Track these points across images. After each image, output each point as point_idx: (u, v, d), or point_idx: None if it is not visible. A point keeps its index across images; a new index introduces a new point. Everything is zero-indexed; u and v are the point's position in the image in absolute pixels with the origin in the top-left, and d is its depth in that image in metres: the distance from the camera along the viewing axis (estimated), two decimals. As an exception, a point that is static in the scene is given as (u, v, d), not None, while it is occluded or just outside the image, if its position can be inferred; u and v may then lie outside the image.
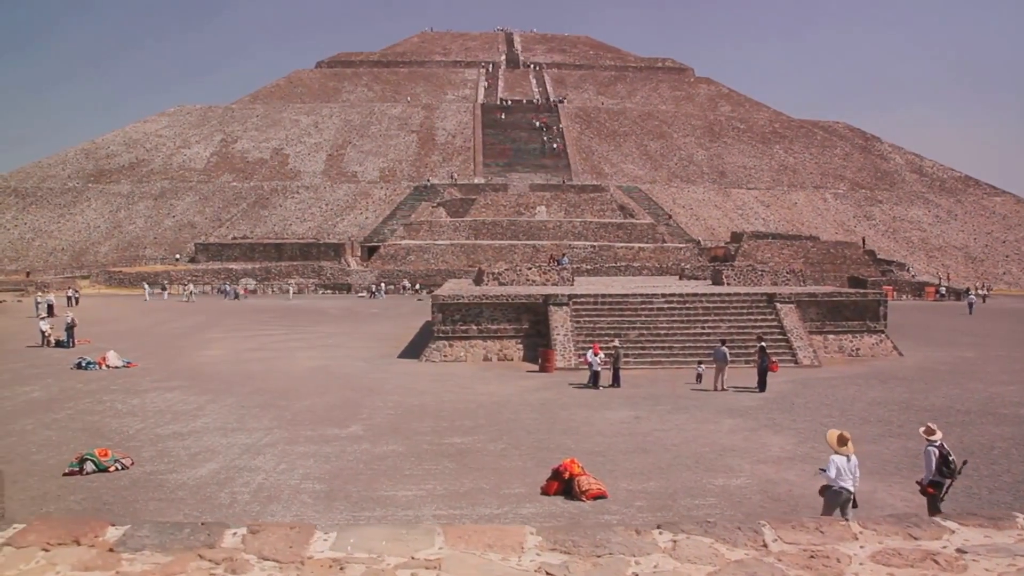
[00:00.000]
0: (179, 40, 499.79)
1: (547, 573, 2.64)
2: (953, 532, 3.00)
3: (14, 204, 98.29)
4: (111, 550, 2.62)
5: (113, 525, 2.86)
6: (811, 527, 3.02)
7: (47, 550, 2.55)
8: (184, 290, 66.88)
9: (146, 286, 68.06)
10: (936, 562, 2.76)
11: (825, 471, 11.65)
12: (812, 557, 2.73)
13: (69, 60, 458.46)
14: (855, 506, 11.78)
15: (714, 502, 14.11)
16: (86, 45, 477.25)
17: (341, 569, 2.60)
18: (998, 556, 2.75)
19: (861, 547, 2.87)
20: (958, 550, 2.84)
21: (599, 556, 2.69)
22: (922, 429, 12.27)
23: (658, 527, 3.02)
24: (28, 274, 79.51)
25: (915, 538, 2.92)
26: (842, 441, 11.74)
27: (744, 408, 22.43)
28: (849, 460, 11.56)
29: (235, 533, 2.79)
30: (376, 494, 14.40)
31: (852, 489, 11.59)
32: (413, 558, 2.61)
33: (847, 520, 11.02)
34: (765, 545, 2.88)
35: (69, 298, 54.76)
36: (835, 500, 11.59)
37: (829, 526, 3.02)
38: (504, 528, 2.84)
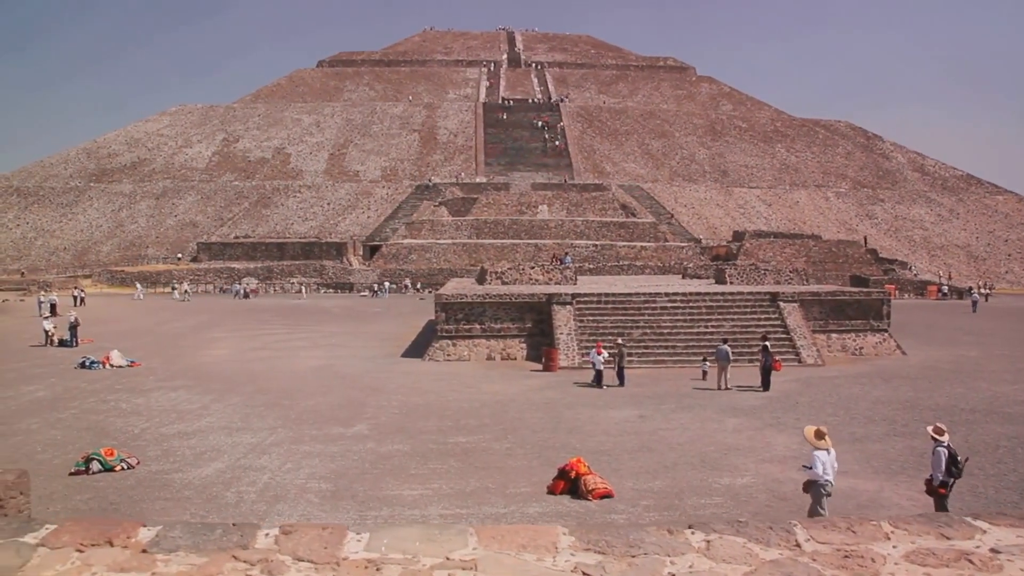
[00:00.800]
0: (180, 39, 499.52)
1: (583, 573, 2.63)
2: (985, 532, 2.99)
3: (16, 203, 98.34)
4: (144, 551, 2.61)
5: (145, 526, 2.85)
6: (843, 527, 3.01)
7: (81, 551, 2.54)
8: (180, 289, 65.78)
9: (138, 285, 67.98)
10: (971, 562, 2.75)
11: (811, 467, 11.83)
12: (846, 557, 2.72)
13: (70, 60, 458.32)
14: (828, 495, 12.03)
15: (720, 501, 14.11)
16: (87, 44, 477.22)
17: (377, 570, 2.59)
18: None
19: (894, 547, 2.86)
20: (992, 550, 2.83)
21: (634, 556, 2.68)
22: (930, 429, 12.27)
23: (690, 527, 3.01)
24: (22, 274, 79.30)
25: (947, 538, 2.91)
26: (819, 436, 11.98)
27: (748, 407, 22.42)
28: (829, 453, 11.82)
29: (267, 534, 2.77)
30: (382, 493, 14.40)
31: (833, 482, 11.90)
32: (448, 558, 2.60)
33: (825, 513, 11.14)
34: (798, 545, 2.87)
35: (75, 298, 54.73)
36: (821, 494, 11.78)
37: (860, 525, 3.01)
38: (537, 528, 2.84)
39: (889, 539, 2.92)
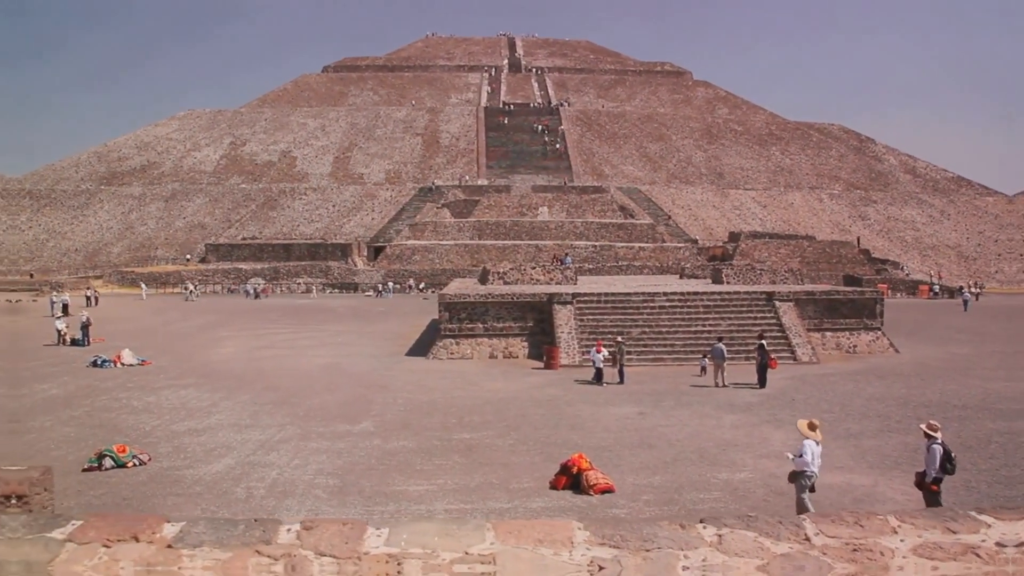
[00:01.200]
0: (189, 46, 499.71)
1: (599, 567, 2.62)
2: (990, 526, 2.99)
3: (29, 206, 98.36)
4: (170, 546, 2.61)
5: (169, 521, 2.85)
6: (850, 521, 3.01)
7: (108, 546, 2.54)
8: (190, 289, 65.66)
9: (143, 285, 68.16)
10: (978, 555, 2.74)
11: (801, 456, 11.90)
12: (855, 551, 2.72)
13: (81, 67, 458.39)
14: (812, 490, 12.07)
15: (719, 496, 14.09)
16: (98, 52, 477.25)
17: (399, 564, 2.58)
18: None
19: (901, 540, 2.86)
20: (997, 544, 2.83)
21: (648, 550, 2.67)
22: (924, 426, 12.23)
23: (701, 521, 3.01)
24: (31, 275, 79.10)
25: (954, 532, 2.90)
26: (812, 427, 12.18)
27: (745, 404, 22.41)
28: (818, 445, 11.90)
29: (289, 529, 2.77)
30: (388, 489, 14.39)
31: (817, 474, 12.02)
32: (467, 553, 2.59)
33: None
34: (808, 539, 2.86)
35: (88, 298, 54.77)
36: (805, 485, 11.82)
37: (868, 520, 3.01)
38: (552, 523, 2.83)
39: (896, 533, 2.91)
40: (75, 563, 2.47)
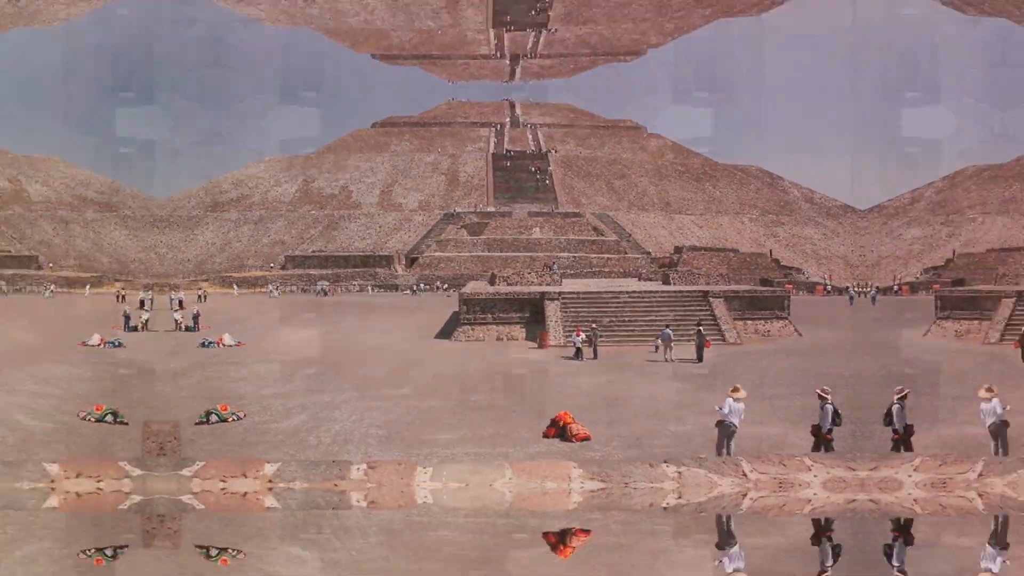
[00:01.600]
0: (273, 108, 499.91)
1: (591, 495, 2.62)
2: (878, 467, 2.97)
3: (154, 226, 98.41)
4: (270, 481, 2.62)
5: (268, 463, 2.85)
6: (776, 461, 3.01)
7: (224, 481, 2.56)
8: (269, 289, 65.84)
9: (235, 286, 68.57)
10: (873, 486, 2.73)
11: (721, 408, 11.90)
12: (781, 484, 2.72)
13: (196, 123, 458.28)
14: (731, 434, 12.06)
15: (670, 443, 14.02)
16: (207, 112, 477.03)
17: (442, 493, 2.59)
18: (930, 484, 2.71)
19: (815, 476, 2.86)
20: (885, 478, 2.82)
21: (627, 484, 2.68)
22: (818, 391, 12.17)
23: (665, 462, 3.01)
24: (116, 280, 77.38)
25: (854, 469, 2.90)
26: (734, 390, 12.11)
27: (687, 375, 22.34)
28: (737, 402, 11.82)
29: (358, 468, 2.78)
30: (423, 438, 14.35)
31: (738, 425, 11.83)
32: (492, 486, 2.60)
33: (731, 448, 11.03)
34: (745, 475, 2.86)
35: (199, 296, 54.77)
36: (726, 432, 11.77)
37: (789, 460, 3.01)
38: (555, 463, 2.84)
39: (811, 470, 2.90)
40: (201, 494, 2.48)
